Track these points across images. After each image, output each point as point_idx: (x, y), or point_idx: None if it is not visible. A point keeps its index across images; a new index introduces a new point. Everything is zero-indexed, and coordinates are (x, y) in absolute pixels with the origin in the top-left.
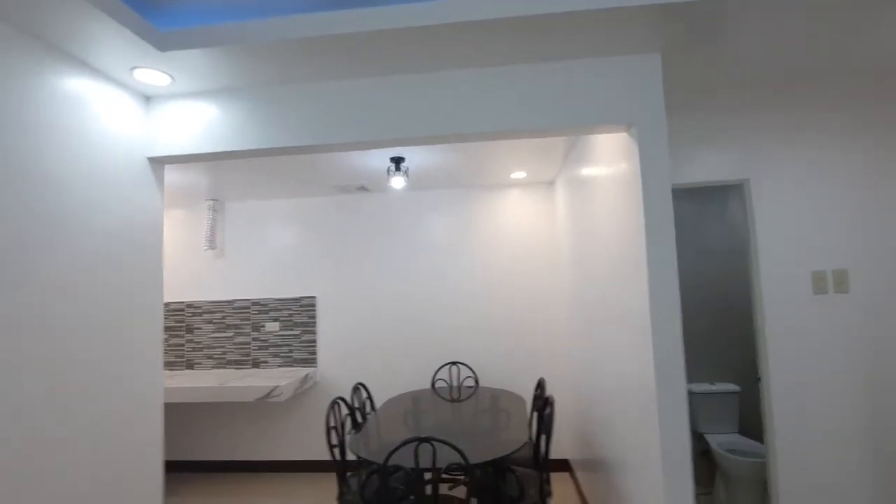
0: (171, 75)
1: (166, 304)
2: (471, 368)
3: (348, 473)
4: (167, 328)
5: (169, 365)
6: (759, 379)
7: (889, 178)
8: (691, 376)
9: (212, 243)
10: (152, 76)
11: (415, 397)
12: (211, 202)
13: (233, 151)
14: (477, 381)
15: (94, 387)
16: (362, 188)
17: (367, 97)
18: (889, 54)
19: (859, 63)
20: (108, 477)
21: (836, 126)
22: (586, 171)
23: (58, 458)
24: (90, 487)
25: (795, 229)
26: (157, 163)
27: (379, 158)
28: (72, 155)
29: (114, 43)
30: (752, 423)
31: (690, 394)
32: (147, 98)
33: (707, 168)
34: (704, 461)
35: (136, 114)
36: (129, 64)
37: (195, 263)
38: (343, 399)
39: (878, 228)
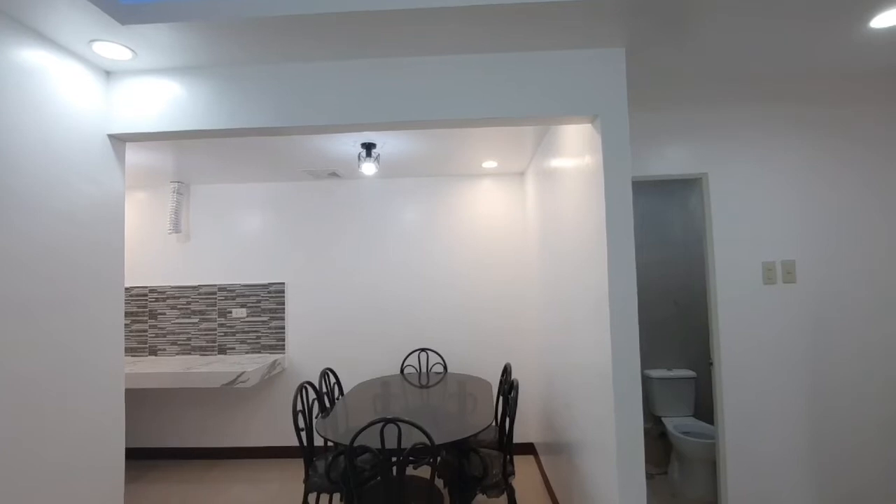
0: (132, 50)
1: (128, 289)
2: (440, 355)
3: (314, 458)
4: (130, 313)
5: (131, 351)
6: (711, 364)
7: (835, 174)
8: (651, 363)
9: (176, 227)
10: (112, 50)
11: (383, 382)
12: (175, 184)
13: (197, 131)
14: (445, 368)
15: (50, 368)
16: (333, 174)
17: (334, 81)
18: (835, 61)
19: (810, 66)
20: (67, 458)
21: (789, 124)
22: (554, 162)
23: (12, 437)
24: (48, 466)
25: (749, 222)
26: (118, 140)
27: (350, 144)
28: (27, 130)
29: (71, 14)
30: (707, 407)
31: (649, 379)
32: (107, 73)
33: (669, 161)
34: (661, 443)
35: (96, 89)
36: (87, 36)
37: (158, 247)
38: (311, 384)
39: (824, 222)
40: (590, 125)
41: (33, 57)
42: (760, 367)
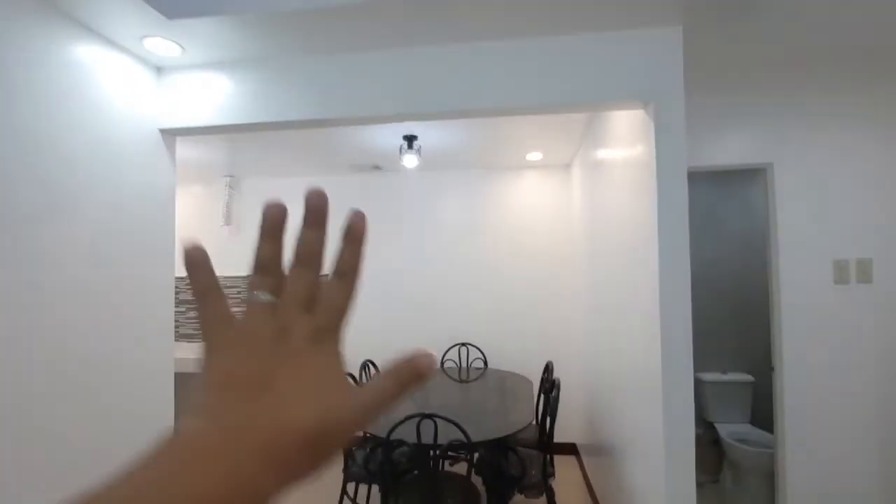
0: (180, 45)
1: (184, 278)
2: (480, 350)
3: (354, 447)
4: (186, 301)
5: (186, 337)
6: (772, 368)
7: None
8: (704, 365)
9: (228, 219)
10: (162, 45)
11: None
12: (228, 178)
13: (245, 124)
14: (486, 363)
15: (102, 359)
16: (376, 167)
17: (380, 70)
18: None
19: (891, 44)
20: (117, 439)
21: (866, 109)
22: (602, 152)
23: (62, 429)
24: (97, 457)
25: (818, 216)
26: (169, 135)
27: (392, 136)
28: (82, 125)
29: (122, 10)
30: (765, 414)
31: (702, 382)
32: (158, 69)
33: (729, 151)
34: (714, 450)
35: (148, 85)
36: (138, 32)
37: (212, 239)
38: (352, 375)
39: None
40: (642, 112)
41: (88, 54)
42: (829, 374)
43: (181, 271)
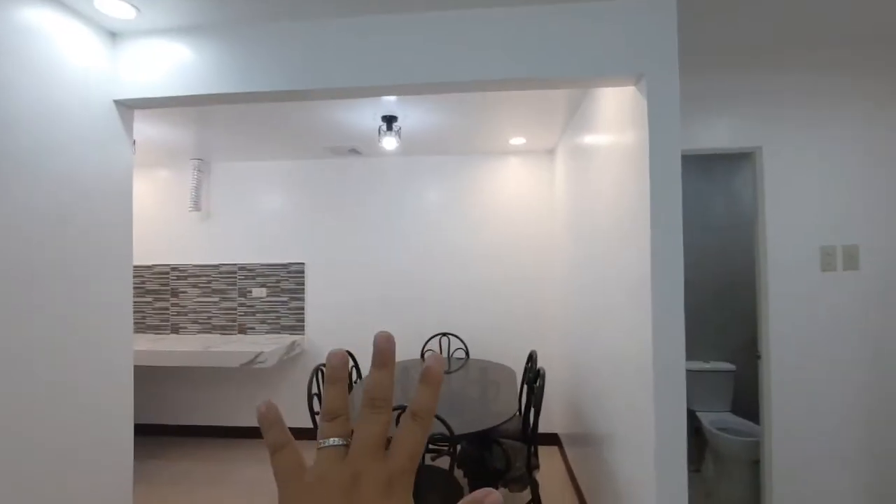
0: (135, 6)
1: (150, 267)
2: (462, 340)
3: None
4: (152, 291)
5: (154, 329)
6: (758, 357)
7: None
8: (686, 353)
9: (197, 205)
10: (115, 7)
11: (403, 367)
12: (196, 161)
13: (208, 95)
14: (468, 353)
15: (54, 344)
16: (354, 151)
17: (351, 40)
18: None
19: (882, 30)
20: (73, 439)
21: (857, 94)
22: (589, 135)
23: (17, 418)
24: (54, 449)
25: (805, 202)
26: (125, 107)
27: (370, 117)
28: (27, 92)
29: None
30: (745, 402)
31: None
32: (113, 34)
33: (716, 134)
34: (695, 439)
35: (101, 52)
36: None
37: (180, 225)
38: None
39: (893, 203)
40: (633, 88)
41: (34, 15)
42: (816, 362)
43: (145, 260)
